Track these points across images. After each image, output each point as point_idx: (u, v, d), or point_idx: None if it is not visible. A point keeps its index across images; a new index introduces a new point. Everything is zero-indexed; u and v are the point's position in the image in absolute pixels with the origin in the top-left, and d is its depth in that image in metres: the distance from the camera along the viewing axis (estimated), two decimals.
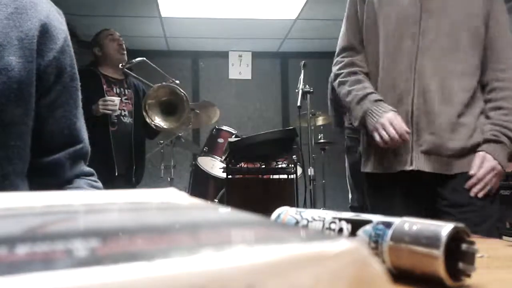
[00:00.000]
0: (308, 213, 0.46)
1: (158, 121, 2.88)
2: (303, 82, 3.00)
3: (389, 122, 1.34)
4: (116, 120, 2.79)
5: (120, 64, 2.83)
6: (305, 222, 0.45)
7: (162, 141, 3.69)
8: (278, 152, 2.68)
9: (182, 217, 0.24)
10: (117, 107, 2.71)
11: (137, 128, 2.88)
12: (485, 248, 0.49)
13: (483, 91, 1.40)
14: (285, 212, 0.48)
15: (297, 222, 0.46)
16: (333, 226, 0.42)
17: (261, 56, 5.85)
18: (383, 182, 1.44)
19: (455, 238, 0.34)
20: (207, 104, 3.70)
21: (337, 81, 1.52)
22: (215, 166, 3.42)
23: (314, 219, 0.44)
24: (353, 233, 0.39)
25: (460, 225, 0.35)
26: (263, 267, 0.15)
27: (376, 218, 0.39)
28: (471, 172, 1.34)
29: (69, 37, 0.81)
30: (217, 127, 3.57)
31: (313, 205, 2.92)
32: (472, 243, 0.35)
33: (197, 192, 3.56)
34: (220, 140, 3.46)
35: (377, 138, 1.38)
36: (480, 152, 1.34)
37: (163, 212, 0.27)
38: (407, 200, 1.40)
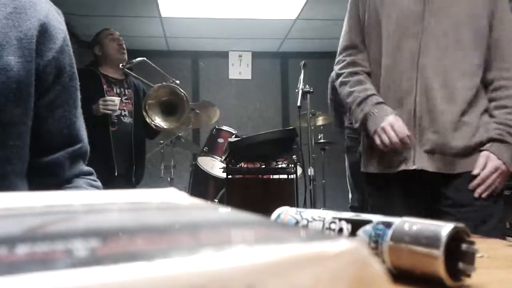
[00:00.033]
0: (308, 213, 0.46)
1: (158, 121, 2.88)
2: (303, 82, 3.00)
3: (390, 125, 1.34)
4: (116, 120, 2.79)
5: (121, 64, 2.83)
6: (305, 222, 0.45)
7: (162, 141, 3.69)
8: (278, 152, 2.68)
9: (182, 217, 0.24)
10: (117, 107, 2.71)
11: (137, 128, 2.88)
12: (485, 248, 0.49)
13: (486, 90, 1.38)
14: (285, 212, 0.48)
15: (297, 222, 0.46)
16: (333, 226, 0.42)
17: (261, 56, 5.85)
18: (384, 182, 1.43)
19: (455, 238, 0.34)
20: (207, 104, 3.70)
21: (338, 80, 1.51)
22: (215, 166, 3.42)
23: (314, 219, 0.44)
24: (353, 233, 0.39)
25: (460, 225, 0.35)
26: (263, 267, 0.15)
27: (376, 218, 0.39)
28: (475, 171, 1.32)
29: (68, 37, 0.81)
30: (217, 127, 3.57)
31: (313, 205, 2.92)
32: (472, 243, 0.35)
33: (197, 192, 3.56)
34: (220, 140, 3.46)
35: (378, 141, 1.37)
36: (484, 152, 1.33)
37: (163, 212, 0.27)
38: (408, 200, 1.39)
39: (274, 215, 0.49)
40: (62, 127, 0.79)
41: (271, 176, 2.74)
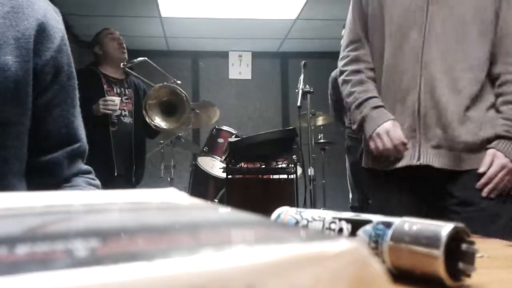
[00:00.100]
0: (308, 213, 0.46)
1: (158, 121, 2.88)
2: (303, 82, 3.00)
3: (385, 132, 1.33)
4: (116, 120, 2.79)
5: (122, 63, 2.83)
6: (305, 222, 0.45)
7: (162, 141, 3.69)
8: (278, 152, 2.68)
9: (182, 217, 0.24)
10: (117, 107, 2.71)
11: (137, 128, 2.88)
12: (485, 248, 0.49)
13: (493, 85, 1.35)
14: (285, 212, 0.48)
15: (297, 222, 0.46)
16: (333, 226, 0.42)
17: (261, 56, 5.85)
18: (386, 178, 1.41)
19: (455, 238, 0.34)
20: (207, 104, 3.70)
21: (341, 78, 1.49)
22: (215, 166, 3.42)
23: (314, 219, 0.44)
24: (353, 233, 0.39)
25: (460, 225, 0.35)
26: (263, 267, 0.15)
27: (376, 218, 0.39)
28: (481, 170, 1.29)
29: (66, 36, 0.81)
30: (217, 127, 3.57)
31: (313, 205, 2.92)
32: (472, 243, 0.35)
33: (197, 192, 3.56)
34: (220, 140, 3.46)
35: (372, 146, 1.37)
36: (491, 150, 1.29)
37: (163, 212, 0.27)
38: (410, 197, 1.37)
39: (274, 215, 0.49)
40: (61, 127, 0.79)
41: (271, 176, 2.74)
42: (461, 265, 0.34)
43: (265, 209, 0.64)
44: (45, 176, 0.79)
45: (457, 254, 0.34)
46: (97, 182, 0.86)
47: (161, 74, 3.10)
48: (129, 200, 0.30)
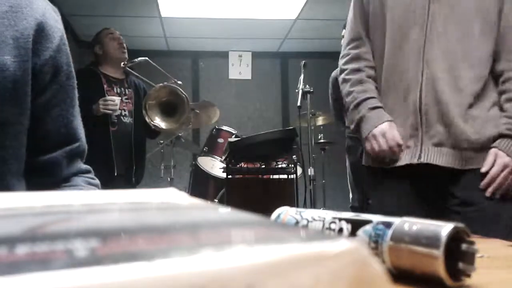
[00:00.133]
0: (308, 213, 0.46)
1: (157, 121, 2.88)
2: (303, 82, 3.00)
3: (381, 134, 1.33)
4: (116, 120, 2.79)
5: (122, 63, 2.83)
6: (305, 222, 0.45)
7: (162, 141, 3.69)
8: (278, 152, 2.68)
9: (182, 217, 0.24)
10: (117, 107, 2.71)
11: (137, 128, 2.88)
12: (485, 248, 0.49)
13: (496, 82, 1.33)
14: (285, 212, 0.48)
15: (297, 222, 0.46)
16: (333, 226, 0.42)
17: (261, 56, 5.85)
18: (386, 176, 1.40)
19: (455, 238, 0.34)
20: (207, 104, 3.70)
21: (341, 77, 1.49)
22: (215, 166, 3.42)
23: (314, 219, 0.44)
24: (353, 233, 0.39)
25: (460, 225, 0.35)
26: (263, 267, 0.15)
27: (376, 218, 0.39)
28: (483, 169, 1.27)
29: (65, 35, 0.81)
30: (217, 127, 3.57)
31: (313, 205, 2.92)
32: (472, 243, 0.35)
33: (197, 192, 3.56)
34: (220, 140, 3.46)
35: (368, 148, 1.37)
36: (493, 149, 1.28)
37: (163, 212, 0.27)
38: (410, 195, 1.36)
39: (274, 215, 0.49)
40: (60, 126, 0.79)
41: (271, 176, 2.74)
42: (461, 265, 0.34)
43: (265, 209, 0.64)
44: (44, 176, 0.79)
45: (457, 254, 0.34)
46: (97, 181, 0.86)
47: (161, 74, 3.10)
48: (129, 200, 0.30)
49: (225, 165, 2.70)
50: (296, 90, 3.04)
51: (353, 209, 3.47)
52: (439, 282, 0.33)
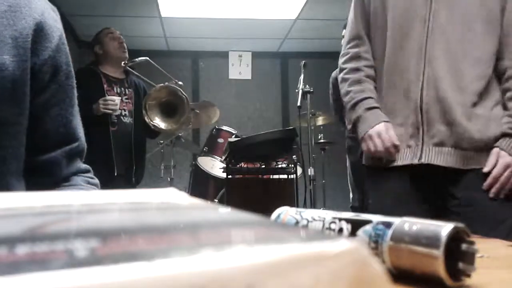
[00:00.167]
0: (308, 213, 0.45)
1: (157, 121, 2.88)
2: (303, 82, 3.00)
3: (377, 134, 1.33)
4: (116, 120, 2.79)
5: (123, 62, 2.83)
6: (305, 222, 0.45)
7: (162, 141, 3.69)
8: (278, 152, 2.68)
9: (182, 217, 0.24)
10: (117, 107, 2.71)
11: (137, 128, 2.88)
12: (485, 248, 0.49)
13: (500, 80, 1.32)
14: (285, 212, 0.48)
15: (297, 222, 0.46)
16: (333, 226, 0.42)
17: (261, 56, 5.85)
18: (386, 176, 1.39)
19: (455, 238, 0.34)
20: (207, 104, 3.70)
21: (340, 76, 1.48)
22: (215, 166, 3.42)
23: (314, 219, 0.44)
24: (353, 233, 0.39)
25: (460, 225, 0.35)
26: (263, 267, 0.15)
27: (376, 218, 0.39)
28: (485, 169, 1.26)
29: (64, 35, 0.81)
30: (217, 127, 3.57)
31: (313, 205, 2.92)
32: (472, 243, 0.35)
33: (197, 192, 3.56)
34: (220, 140, 3.46)
35: (364, 148, 1.38)
36: (495, 149, 1.26)
37: (163, 212, 0.27)
38: (410, 196, 1.35)
39: (274, 215, 0.49)
40: (59, 126, 0.79)
41: (271, 176, 2.74)
42: (461, 265, 0.34)
43: (265, 209, 0.64)
44: (44, 175, 0.79)
45: (457, 254, 0.34)
46: (96, 181, 0.86)
47: (162, 74, 3.09)
48: (129, 200, 0.30)
49: (225, 165, 2.69)
50: (296, 90, 3.04)
51: (353, 209, 3.47)
52: (439, 282, 0.33)
